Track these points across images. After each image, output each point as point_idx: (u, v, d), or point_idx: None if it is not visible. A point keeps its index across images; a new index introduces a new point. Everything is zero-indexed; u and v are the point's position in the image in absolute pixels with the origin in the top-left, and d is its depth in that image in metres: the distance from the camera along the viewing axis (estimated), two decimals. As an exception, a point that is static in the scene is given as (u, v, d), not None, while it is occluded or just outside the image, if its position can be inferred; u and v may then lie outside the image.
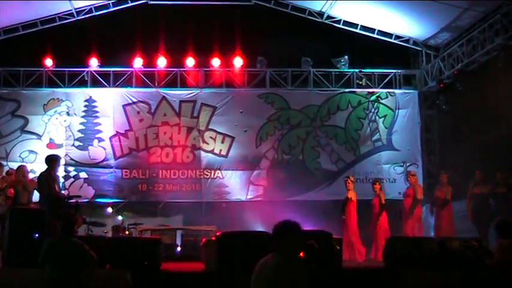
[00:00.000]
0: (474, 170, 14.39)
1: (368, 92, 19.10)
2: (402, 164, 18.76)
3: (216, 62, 18.56)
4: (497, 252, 8.28)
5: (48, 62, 18.17)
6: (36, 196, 13.31)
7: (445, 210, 14.93)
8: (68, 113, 18.24)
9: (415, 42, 18.98)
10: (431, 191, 17.86)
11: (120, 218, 15.39)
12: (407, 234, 14.40)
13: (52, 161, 12.59)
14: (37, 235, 10.20)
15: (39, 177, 12.57)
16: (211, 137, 18.57)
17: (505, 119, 14.53)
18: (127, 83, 18.60)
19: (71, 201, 12.76)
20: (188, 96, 18.69)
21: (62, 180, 16.45)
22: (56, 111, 18.21)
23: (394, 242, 11.31)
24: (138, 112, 18.45)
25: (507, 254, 7.88)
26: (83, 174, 17.58)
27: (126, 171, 18.05)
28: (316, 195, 18.00)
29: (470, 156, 15.20)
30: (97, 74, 18.46)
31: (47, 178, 12.17)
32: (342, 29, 18.64)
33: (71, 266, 7.85)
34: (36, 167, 16.41)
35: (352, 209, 14.57)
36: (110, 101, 18.46)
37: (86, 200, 15.68)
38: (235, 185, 18.39)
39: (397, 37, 18.81)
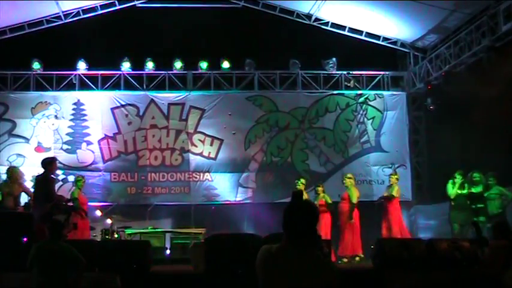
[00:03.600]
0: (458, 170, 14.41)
1: (356, 94, 19.17)
2: (391, 166, 18.79)
3: (204, 64, 18.59)
4: (488, 253, 8.38)
5: (36, 65, 18.13)
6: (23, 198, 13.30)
7: (392, 211, 14.96)
8: (56, 116, 18.21)
9: (402, 44, 19.06)
10: (420, 192, 18.01)
11: (109, 221, 15.37)
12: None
13: (49, 163, 12.53)
14: (25, 239, 10.19)
15: (36, 180, 12.51)
16: (199, 140, 18.58)
17: (492, 120, 14.61)
18: (115, 86, 18.58)
19: (70, 204, 12.78)
20: (177, 99, 18.72)
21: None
22: (44, 114, 18.18)
23: (383, 243, 11.37)
24: (127, 115, 18.44)
25: (496, 255, 7.95)
26: (71, 178, 17.50)
27: (114, 175, 18.04)
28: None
29: (457, 157, 15.29)
30: (85, 77, 18.43)
31: (45, 181, 12.13)
32: (330, 31, 18.68)
33: (59, 270, 7.86)
34: (24, 171, 16.31)
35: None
36: (98, 104, 18.44)
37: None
38: (224, 187, 18.41)
39: (385, 39, 18.88)
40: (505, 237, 7.89)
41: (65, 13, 18.09)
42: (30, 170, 16.13)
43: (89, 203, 15.14)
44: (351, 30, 18.68)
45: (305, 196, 14.67)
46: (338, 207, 15.02)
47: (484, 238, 9.57)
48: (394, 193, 15.03)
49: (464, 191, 14.25)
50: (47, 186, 12.06)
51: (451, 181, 14.44)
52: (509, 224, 8.62)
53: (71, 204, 12.77)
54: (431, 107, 17.88)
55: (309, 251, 4.35)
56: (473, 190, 14.07)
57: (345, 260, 14.47)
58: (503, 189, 13.50)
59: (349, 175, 15.76)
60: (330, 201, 15.17)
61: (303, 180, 15.75)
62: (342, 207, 14.97)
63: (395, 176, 15.75)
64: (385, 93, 19.28)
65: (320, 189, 15.43)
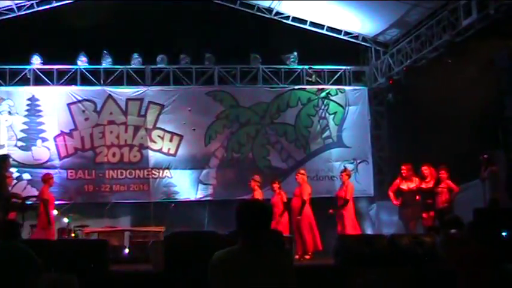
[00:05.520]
0: (420, 166, 14.60)
1: (318, 88, 19.28)
2: (353, 161, 18.98)
3: (163, 59, 18.52)
4: (445, 247, 8.54)
5: (-12, 59, 17.93)
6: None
7: (345, 210, 14.98)
8: (9, 112, 17.94)
9: (364, 39, 19.21)
10: (382, 187, 18.17)
11: (65, 220, 15.28)
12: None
13: (3, 161, 12.46)
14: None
15: None
16: (159, 136, 18.53)
17: (452, 115, 14.85)
18: (71, 81, 18.38)
19: (28, 202, 12.69)
20: (135, 94, 18.62)
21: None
22: (-3, 110, 17.99)
23: (344, 240, 11.49)
24: (84, 111, 18.28)
25: (451, 248, 8.11)
26: (26, 176, 17.34)
27: (71, 172, 17.88)
28: (266, 194, 18.16)
29: (418, 152, 15.49)
30: (40, 71, 18.22)
31: (0, 179, 12.05)
32: (291, 25, 18.73)
33: (15, 271, 7.78)
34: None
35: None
36: (54, 100, 18.25)
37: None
38: (184, 184, 18.39)
39: (347, 33, 18.99)
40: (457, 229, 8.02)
41: (18, 5, 17.82)
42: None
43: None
44: (312, 24, 18.74)
45: (259, 194, 14.88)
46: (291, 204, 14.98)
47: (436, 227, 9.78)
48: (348, 197, 14.94)
49: (412, 185, 14.51)
50: (1, 183, 11.99)
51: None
52: (459, 217, 8.80)
53: (30, 202, 12.69)
54: (392, 101, 18.15)
55: (266, 251, 4.38)
56: (423, 184, 14.32)
57: (307, 257, 14.50)
58: (451, 183, 13.74)
59: (302, 171, 15.77)
60: (285, 200, 14.98)
61: (257, 178, 15.67)
62: (293, 203, 14.91)
63: (346, 173, 15.66)
64: (346, 88, 19.42)
65: (276, 186, 15.28)
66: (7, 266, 7.79)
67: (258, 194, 15.12)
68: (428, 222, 13.77)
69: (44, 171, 17.12)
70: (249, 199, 4.81)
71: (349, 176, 15.67)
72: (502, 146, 10.80)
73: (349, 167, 18.25)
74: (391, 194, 15.12)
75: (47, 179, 14.79)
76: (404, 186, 14.65)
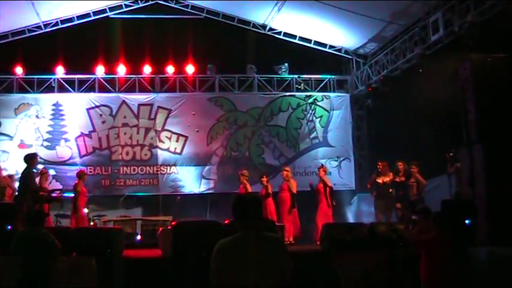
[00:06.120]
0: (394, 162, 14.63)
1: (306, 95, 19.32)
2: (337, 159, 19.05)
3: (170, 69, 18.52)
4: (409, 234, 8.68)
5: (19, 70, 17.96)
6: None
7: (323, 200, 14.74)
8: (37, 116, 18.04)
9: (346, 51, 19.26)
10: (362, 182, 18.22)
11: (85, 210, 15.31)
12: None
13: (30, 159, 12.53)
14: (9, 227, 10.14)
15: (21, 174, 12.43)
16: (166, 137, 18.57)
17: (422, 118, 14.94)
18: (90, 89, 18.47)
19: (54, 194, 12.73)
20: (146, 100, 18.66)
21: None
22: (26, 114, 18.00)
23: (329, 228, 11.52)
24: (101, 115, 18.34)
25: (415, 234, 8.22)
26: (51, 172, 17.32)
27: (90, 168, 17.87)
28: (261, 188, 18.21)
29: (393, 150, 15.54)
30: (63, 80, 18.32)
31: (28, 174, 12.12)
32: (282, 39, 18.80)
33: (39, 255, 7.86)
34: (8, 166, 16.32)
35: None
36: (75, 105, 18.32)
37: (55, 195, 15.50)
38: (188, 179, 18.42)
39: (331, 47, 19.06)
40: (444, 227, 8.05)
41: (44, 23, 17.93)
42: (14, 164, 16.15)
43: (66, 195, 15.01)
44: (301, 39, 18.80)
45: (248, 186, 14.85)
46: (278, 197, 14.79)
47: (408, 216, 9.85)
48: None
49: (387, 179, 14.58)
50: (29, 179, 12.04)
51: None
52: (428, 207, 8.88)
53: (55, 194, 12.75)
54: (370, 106, 18.27)
55: (264, 237, 4.44)
56: (396, 178, 14.38)
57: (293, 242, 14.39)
58: (420, 178, 13.76)
59: (286, 168, 15.65)
60: (270, 191, 14.75)
61: (245, 172, 15.45)
62: (282, 197, 14.68)
63: (323, 169, 15.46)
64: (331, 94, 19.46)
65: (264, 180, 15.10)
66: (32, 250, 7.87)
67: (247, 187, 15.09)
68: (401, 212, 13.84)
69: (67, 167, 17.22)
70: (242, 193, 4.84)
71: (325, 172, 15.55)
72: (466, 145, 10.83)
73: (334, 164, 18.42)
74: (368, 187, 15.23)
75: (81, 175, 14.82)
76: (380, 180, 14.71)
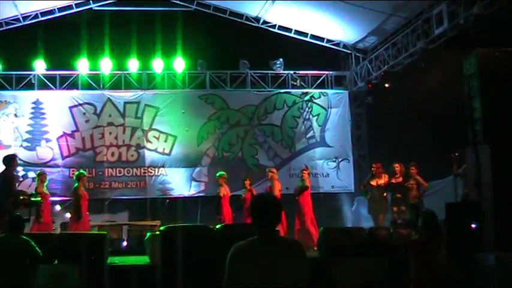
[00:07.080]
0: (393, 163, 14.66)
1: (302, 92, 19.35)
2: (335, 160, 19.08)
3: (158, 64, 18.50)
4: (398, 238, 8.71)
5: (-5, 65, 17.93)
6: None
7: (304, 204, 14.82)
8: (15, 115, 17.99)
9: (345, 46, 19.30)
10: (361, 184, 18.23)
11: (68, 215, 15.26)
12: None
13: (10, 161, 12.48)
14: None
15: (0, 177, 12.37)
16: (154, 137, 18.56)
17: (426, 115, 14.94)
18: (73, 86, 18.45)
19: (34, 199, 12.68)
20: (132, 97, 18.65)
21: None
22: (4, 113, 17.95)
23: (327, 232, 11.50)
24: (84, 113, 18.32)
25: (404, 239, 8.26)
26: (31, 174, 17.32)
27: (73, 170, 17.80)
28: (255, 190, 18.19)
29: (395, 150, 15.56)
30: (44, 77, 18.27)
31: (8, 177, 12.06)
32: (277, 33, 18.80)
33: (18, 262, 7.84)
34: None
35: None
36: (57, 103, 18.29)
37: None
38: (178, 181, 18.43)
39: (329, 41, 19.08)
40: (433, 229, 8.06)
41: (23, 15, 17.87)
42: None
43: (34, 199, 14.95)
44: (297, 32, 18.82)
45: (225, 189, 14.91)
46: None
47: (410, 221, 9.85)
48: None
49: (381, 181, 14.59)
50: (8, 183, 11.99)
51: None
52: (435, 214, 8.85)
53: (34, 199, 12.68)
54: (371, 104, 18.29)
55: (282, 241, 4.43)
56: (393, 180, 14.39)
57: None
58: (420, 179, 13.79)
59: (272, 169, 15.74)
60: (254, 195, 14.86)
61: (225, 175, 15.57)
62: None
63: (307, 172, 15.60)
64: (329, 91, 19.48)
65: (247, 183, 15.24)
66: (9, 255, 7.85)
67: (225, 189, 15.15)
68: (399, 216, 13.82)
69: (48, 169, 17.15)
70: (264, 193, 4.84)
71: (308, 174, 15.63)
72: (472, 144, 10.83)
73: (332, 165, 18.48)
74: (361, 189, 15.35)
75: (81, 177, 14.79)
76: (374, 182, 14.74)
